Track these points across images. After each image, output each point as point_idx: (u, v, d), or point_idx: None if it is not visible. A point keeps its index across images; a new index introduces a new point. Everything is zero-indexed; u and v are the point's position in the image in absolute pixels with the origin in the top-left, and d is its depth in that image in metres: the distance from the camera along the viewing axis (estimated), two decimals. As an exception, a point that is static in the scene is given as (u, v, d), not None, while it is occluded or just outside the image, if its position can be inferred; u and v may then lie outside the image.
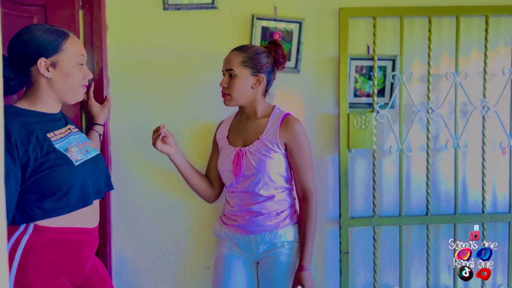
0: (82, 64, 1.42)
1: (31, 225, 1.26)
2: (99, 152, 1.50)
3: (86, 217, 1.39)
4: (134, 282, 2.04)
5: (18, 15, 1.79)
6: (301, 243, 1.64)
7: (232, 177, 1.65)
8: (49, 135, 1.35)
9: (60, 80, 1.38)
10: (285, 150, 1.65)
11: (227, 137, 1.74)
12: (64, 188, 1.30)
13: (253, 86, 1.64)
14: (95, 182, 1.42)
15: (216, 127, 1.86)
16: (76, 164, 1.34)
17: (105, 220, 1.95)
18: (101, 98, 1.90)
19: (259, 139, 1.63)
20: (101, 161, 1.50)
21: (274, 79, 1.73)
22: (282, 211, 1.66)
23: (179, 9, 1.96)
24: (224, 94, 1.66)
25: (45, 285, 1.27)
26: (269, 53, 1.67)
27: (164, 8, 1.95)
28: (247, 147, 1.63)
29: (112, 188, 1.55)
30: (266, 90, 1.71)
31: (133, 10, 1.96)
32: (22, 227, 1.26)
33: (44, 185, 1.28)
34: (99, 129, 1.83)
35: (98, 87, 1.91)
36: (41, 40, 1.35)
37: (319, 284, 2.11)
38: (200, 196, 1.84)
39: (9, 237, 1.24)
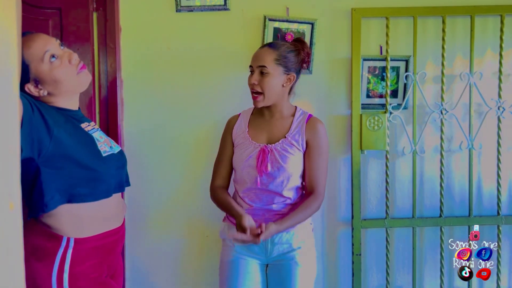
0: (54, 57, 1.25)
1: (72, 240, 1.29)
2: (121, 149, 1.52)
3: (116, 217, 1.43)
4: (147, 282, 2.06)
5: (34, 18, 1.81)
6: (289, 216, 1.56)
7: (256, 174, 1.62)
8: (83, 125, 1.37)
9: (55, 87, 1.28)
10: (306, 148, 1.63)
11: (248, 133, 1.69)
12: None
13: (284, 85, 1.62)
14: (118, 175, 1.44)
15: (227, 122, 1.77)
16: (104, 155, 1.36)
17: (118, 220, 1.97)
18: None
19: (285, 137, 1.62)
20: (124, 157, 1.51)
21: (298, 79, 1.69)
22: None
23: (192, 11, 1.97)
24: (257, 95, 1.61)
25: (92, 285, 1.33)
26: (298, 52, 1.65)
27: (177, 10, 1.97)
28: (272, 145, 1.62)
29: (129, 185, 1.57)
30: (290, 89, 1.68)
31: (146, 12, 1.98)
32: (64, 242, 1.29)
33: None
34: None
35: (112, 89, 1.93)
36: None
37: (332, 286, 2.11)
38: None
39: (54, 253, 1.27)
